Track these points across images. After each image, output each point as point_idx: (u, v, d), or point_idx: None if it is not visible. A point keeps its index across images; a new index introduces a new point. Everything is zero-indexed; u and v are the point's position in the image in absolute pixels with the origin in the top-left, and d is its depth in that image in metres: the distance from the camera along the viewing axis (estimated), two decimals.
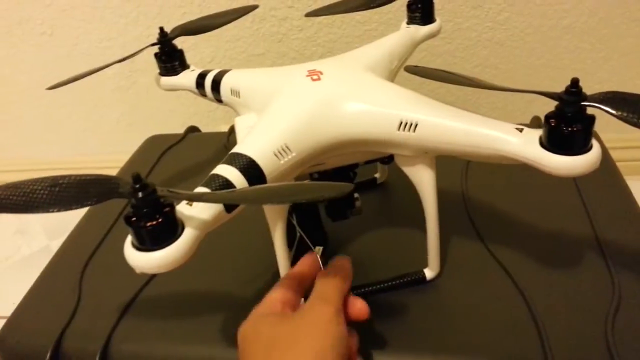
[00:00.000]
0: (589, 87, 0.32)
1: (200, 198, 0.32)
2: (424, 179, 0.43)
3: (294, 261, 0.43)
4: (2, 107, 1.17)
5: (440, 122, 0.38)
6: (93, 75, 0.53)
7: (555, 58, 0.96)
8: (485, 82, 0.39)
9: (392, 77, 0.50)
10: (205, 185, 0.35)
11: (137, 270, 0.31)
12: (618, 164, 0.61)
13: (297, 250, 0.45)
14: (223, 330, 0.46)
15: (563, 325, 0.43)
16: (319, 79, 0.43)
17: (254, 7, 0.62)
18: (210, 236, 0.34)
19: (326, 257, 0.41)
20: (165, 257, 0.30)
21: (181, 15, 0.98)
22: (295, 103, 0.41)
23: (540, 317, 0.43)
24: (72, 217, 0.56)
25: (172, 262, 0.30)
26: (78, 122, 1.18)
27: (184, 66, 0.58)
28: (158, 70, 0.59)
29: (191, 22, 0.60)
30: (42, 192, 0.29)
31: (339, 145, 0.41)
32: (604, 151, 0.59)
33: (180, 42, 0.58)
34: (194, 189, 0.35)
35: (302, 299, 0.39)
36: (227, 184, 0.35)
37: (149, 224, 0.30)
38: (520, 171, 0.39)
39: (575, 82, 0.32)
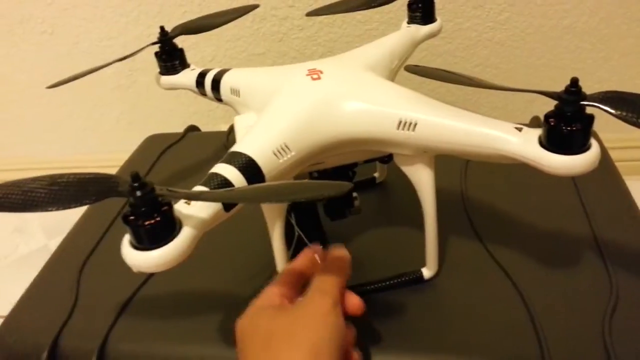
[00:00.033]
0: (589, 87, 0.32)
1: (199, 197, 0.32)
2: (422, 178, 0.43)
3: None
4: (3, 105, 1.17)
5: (439, 122, 0.38)
6: (93, 74, 0.53)
7: (556, 58, 0.96)
8: (485, 81, 0.39)
9: (392, 76, 0.50)
10: (203, 184, 0.35)
11: (135, 269, 0.31)
12: (617, 164, 0.61)
13: (295, 250, 0.45)
14: (221, 329, 0.46)
15: (561, 325, 0.43)
16: (319, 78, 0.43)
17: (255, 6, 0.62)
18: (209, 235, 0.34)
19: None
20: (163, 256, 0.30)
21: (182, 14, 0.98)
22: (294, 102, 0.41)
23: (538, 316, 0.43)
24: (70, 216, 0.55)
25: (169, 261, 0.30)
26: (78, 121, 1.18)
27: (184, 65, 0.58)
28: (158, 69, 0.59)
29: (192, 21, 0.60)
30: (40, 190, 0.29)
31: (338, 144, 0.41)
32: (603, 151, 0.59)
33: (180, 41, 0.58)
34: (193, 187, 0.35)
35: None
36: (225, 182, 0.35)
37: (146, 222, 0.29)
38: (519, 171, 0.39)
39: (574, 82, 0.32)
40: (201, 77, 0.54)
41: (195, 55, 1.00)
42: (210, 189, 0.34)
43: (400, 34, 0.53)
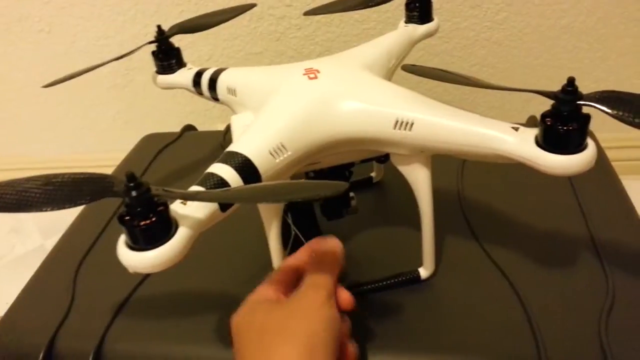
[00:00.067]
0: (586, 87, 0.32)
1: (195, 197, 0.32)
2: (419, 178, 0.43)
3: None
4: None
5: (436, 121, 0.38)
6: (90, 73, 0.52)
7: (553, 57, 0.96)
8: (482, 81, 0.39)
9: (389, 75, 0.50)
10: (200, 184, 0.34)
11: (131, 270, 0.31)
12: (614, 163, 0.61)
13: (292, 250, 0.45)
14: (217, 329, 0.46)
15: (557, 324, 0.43)
16: (315, 77, 0.43)
17: (252, 5, 0.62)
18: (205, 235, 0.34)
19: None
20: (159, 256, 0.30)
21: (179, 13, 0.98)
22: (291, 102, 0.41)
23: (534, 316, 0.43)
24: (66, 216, 0.55)
25: (165, 262, 0.30)
26: (74, 120, 1.18)
27: (180, 64, 0.58)
28: (155, 69, 0.58)
29: (189, 20, 0.60)
30: (35, 190, 0.29)
31: (335, 144, 0.41)
32: (600, 150, 0.60)
33: (177, 40, 0.58)
34: (190, 187, 0.34)
35: None
36: (222, 182, 0.35)
37: (142, 223, 0.29)
38: (516, 170, 0.39)
39: (571, 81, 0.32)
40: (198, 76, 0.53)
41: (192, 55, 1.00)
42: (207, 188, 0.34)
43: (397, 33, 0.53)
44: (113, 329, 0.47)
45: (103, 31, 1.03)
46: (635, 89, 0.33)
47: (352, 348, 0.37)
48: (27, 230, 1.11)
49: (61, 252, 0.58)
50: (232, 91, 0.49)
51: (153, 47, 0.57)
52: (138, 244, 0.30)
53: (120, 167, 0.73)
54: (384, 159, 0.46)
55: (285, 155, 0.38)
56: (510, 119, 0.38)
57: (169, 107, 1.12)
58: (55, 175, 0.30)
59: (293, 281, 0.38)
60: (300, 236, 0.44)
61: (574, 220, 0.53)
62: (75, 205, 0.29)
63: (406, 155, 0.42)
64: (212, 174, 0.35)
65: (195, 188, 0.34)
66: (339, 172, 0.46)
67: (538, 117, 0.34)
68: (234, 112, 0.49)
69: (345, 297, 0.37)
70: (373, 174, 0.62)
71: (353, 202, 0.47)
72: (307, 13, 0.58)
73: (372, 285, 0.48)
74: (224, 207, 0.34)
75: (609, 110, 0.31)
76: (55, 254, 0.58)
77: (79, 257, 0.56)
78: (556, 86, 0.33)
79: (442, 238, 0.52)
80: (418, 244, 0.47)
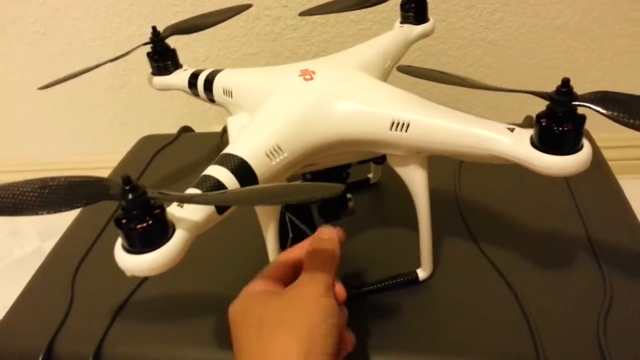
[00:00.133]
0: (581, 87, 0.32)
1: (191, 200, 0.32)
2: (416, 179, 0.43)
3: None
4: None
5: (432, 122, 0.38)
6: (86, 75, 0.52)
7: (549, 57, 0.97)
8: (477, 82, 0.39)
9: (385, 76, 0.50)
10: (196, 186, 0.34)
11: (128, 274, 0.31)
12: (610, 163, 0.61)
13: None
14: (216, 332, 0.46)
15: (555, 325, 0.43)
16: (311, 78, 0.43)
17: (248, 6, 0.61)
18: (202, 237, 0.34)
19: None
20: (156, 259, 0.30)
21: (174, 13, 0.98)
22: (287, 103, 0.41)
23: (532, 317, 0.43)
24: (64, 219, 0.55)
25: (162, 265, 0.30)
26: (71, 122, 1.18)
27: (176, 65, 0.58)
28: (150, 70, 0.58)
29: (184, 21, 0.60)
30: (31, 194, 0.29)
31: (331, 145, 0.41)
32: (596, 150, 0.60)
33: (173, 41, 0.58)
34: (187, 189, 0.34)
35: None
36: (218, 185, 0.35)
37: (139, 226, 0.29)
38: (513, 171, 0.39)
39: (565, 82, 0.32)
40: (194, 77, 0.53)
41: (187, 56, 1.00)
42: (203, 191, 0.34)
43: (393, 33, 0.53)
44: (112, 331, 0.47)
45: (99, 32, 1.03)
46: (631, 88, 0.33)
47: (349, 337, 0.37)
48: (25, 233, 1.11)
49: (59, 255, 0.58)
50: (228, 92, 0.49)
51: (148, 48, 0.57)
52: (135, 247, 0.30)
53: (117, 169, 0.73)
54: (381, 160, 0.46)
55: (281, 157, 0.38)
56: (506, 119, 0.38)
57: (166, 108, 1.12)
58: (52, 179, 0.30)
59: (290, 275, 0.38)
60: (302, 226, 0.44)
61: (571, 221, 0.53)
62: (72, 208, 0.29)
63: (402, 157, 0.42)
64: (209, 177, 0.35)
65: (191, 190, 0.34)
66: (336, 173, 0.46)
67: (534, 117, 0.34)
68: (230, 113, 0.49)
69: (338, 289, 0.37)
70: (370, 175, 0.62)
71: (350, 204, 0.47)
72: (302, 14, 0.58)
73: (370, 287, 0.48)
74: (220, 209, 0.34)
75: (604, 111, 0.31)
76: (53, 257, 0.58)
77: (77, 260, 0.56)
78: (552, 86, 0.33)
79: (440, 239, 0.52)
80: (416, 245, 0.47)
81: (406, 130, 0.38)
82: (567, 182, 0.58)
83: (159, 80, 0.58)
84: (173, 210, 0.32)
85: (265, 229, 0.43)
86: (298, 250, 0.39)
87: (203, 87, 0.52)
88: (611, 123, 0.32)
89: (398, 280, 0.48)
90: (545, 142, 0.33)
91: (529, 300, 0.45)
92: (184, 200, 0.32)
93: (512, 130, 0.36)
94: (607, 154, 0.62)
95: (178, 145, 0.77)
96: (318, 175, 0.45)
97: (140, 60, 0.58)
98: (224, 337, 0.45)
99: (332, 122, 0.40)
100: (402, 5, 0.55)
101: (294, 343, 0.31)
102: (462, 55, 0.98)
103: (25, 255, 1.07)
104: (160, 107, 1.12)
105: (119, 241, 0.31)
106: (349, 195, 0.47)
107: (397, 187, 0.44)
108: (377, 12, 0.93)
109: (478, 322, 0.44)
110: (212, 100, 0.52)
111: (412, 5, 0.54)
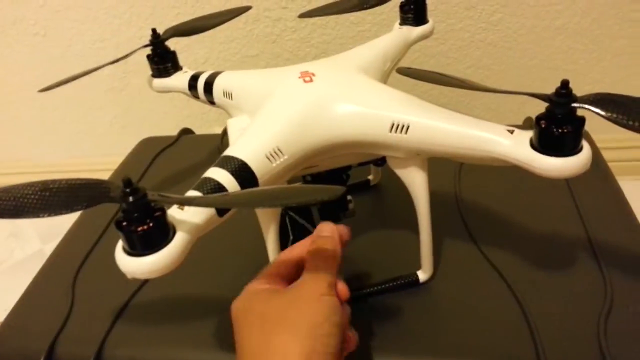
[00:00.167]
0: (581, 88, 0.32)
1: (192, 202, 0.32)
2: (416, 181, 0.43)
3: None
4: None
5: (431, 124, 0.38)
6: (86, 77, 0.52)
7: (548, 59, 0.97)
8: (476, 84, 0.39)
9: (384, 78, 0.50)
10: (196, 188, 0.35)
11: (129, 276, 0.31)
12: (610, 164, 0.61)
13: None
14: (217, 334, 0.46)
15: (556, 326, 0.43)
16: (311, 80, 0.43)
17: (248, 7, 0.62)
18: (203, 239, 0.34)
19: None
20: (157, 262, 0.30)
21: (175, 16, 0.98)
22: (287, 105, 0.41)
23: (533, 318, 0.43)
24: (65, 221, 0.55)
25: (163, 267, 0.30)
26: (71, 125, 1.18)
27: (176, 68, 0.58)
28: (150, 72, 0.58)
29: (184, 23, 0.60)
30: (32, 196, 0.29)
31: (331, 147, 0.41)
32: (596, 152, 0.60)
33: (173, 43, 0.58)
34: (187, 191, 0.34)
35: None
36: (219, 187, 0.35)
37: (139, 228, 0.29)
38: (513, 173, 0.39)
39: (565, 84, 0.32)
40: (194, 79, 0.53)
41: (187, 58, 1.00)
42: (204, 193, 0.34)
43: (392, 35, 0.53)
44: (113, 334, 0.47)
45: (99, 34, 1.03)
46: (630, 89, 0.33)
47: (352, 335, 0.37)
48: (26, 235, 1.11)
49: (60, 257, 0.58)
50: (228, 95, 0.49)
51: (149, 50, 0.57)
52: (135, 249, 0.30)
53: (117, 171, 0.73)
54: (381, 162, 0.46)
55: (281, 159, 0.38)
56: (506, 120, 0.38)
57: (166, 110, 1.12)
58: (53, 181, 0.30)
59: (292, 273, 0.38)
60: (304, 222, 0.44)
61: (571, 222, 0.53)
62: (72, 211, 0.29)
63: (402, 158, 0.42)
64: (209, 179, 0.35)
65: (192, 193, 0.34)
66: (336, 175, 0.46)
67: (534, 118, 0.34)
68: (230, 115, 0.49)
69: (341, 287, 0.37)
70: (370, 177, 0.62)
71: (350, 205, 0.47)
72: (302, 15, 0.58)
73: (371, 289, 0.48)
74: (221, 212, 0.34)
75: (603, 113, 0.31)
76: (54, 260, 0.58)
77: (78, 262, 0.56)
78: (551, 87, 0.33)
79: (440, 241, 0.52)
80: (416, 247, 0.47)
81: (406, 132, 0.39)
82: (567, 183, 0.58)
83: (159, 82, 0.58)
84: (173, 212, 0.33)
85: (265, 230, 0.43)
86: (299, 248, 0.39)
87: (203, 89, 0.52)
88: (611, 124, 0.32)
89: (398, 282, 0.48)
90: (545, 144, 0.33)
91: (530, 302, 0.45)
92: (184, 202, 0.32)
93: (511, 132, 0.36)
94: (607, 155, 0.62)
95: (178, 147, 0.78)
96: (318, 177, 0.45)
97: (140, 63, 0.58)
98: (224, 339, 0.45)
99: (332, 124, 0.40)
100: (402, 7, 0.55)
101: (297, 342, 0.31)
102: (462, 56, 0.98)
103: (26, 257, 1.07)
104: (161, 109, 1.12)
105: (120, 243, 0.31)
106: (349, 197, 0.47)
107: (397, 188, 0.44)
108: (376, 13, 0.94)
109: (478, 323, 0.44)
110: (212, 103, 0.52)
111: (412, 6, 0.54)
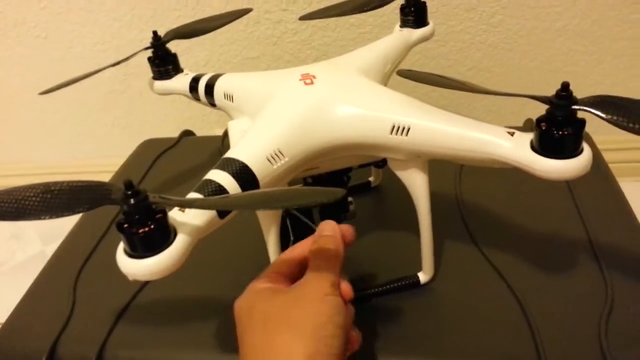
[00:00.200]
0: (581, 90, 0.32)
1: (193, 204, 0.32)
2: (416, 183, 0.43)
3: None
4: None
5: (432, 126, 0.38)
6: (87, 79, 0.53)
7: (549, 60, 0.97)
8: (477, 86, 0.39)
9: (385, 80, 0.50)
10: (197, 190, 0.35)
11: (130, 278, 0.31)
12: (611, 165, 0.61)
13: None
14: (218, 335, 0.46)
15: (557, 327, 0.43)
16: (311, 83, 0.43)
17: (248, 10, 0.62)
18: (204, 241, 0.34)
19: None
20: (158, 264, 0.30)
21: (175, 18, 0.98)
22: (288, 107, 0.42)
23: (534, 319, 0.43)
24: (66, 222, 0.55)
25: (164, 269, 0.30)
26: (73, 126, 1.18)
27: (177, 70, 0.58)
28: (151, 75, 0.58)
29: (185, 25, 0.60)
30: (33, 199, 0.29)
31: (331, 149, 0.41)
32: (597, 153, 0.60)
33: (174, 46, 0.58)
34: (188, 193, 0.35)
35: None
36: (220, 189, 0.35)
37: (140, 230, 0.29)
38: (513, 174, 0.39)
39: (565, 86, 0.32)
40: (194, 82, 0.54)
41: (188, 60, 1.00)
42: (205, 195, 0.34)
43: (393, 37, 0.53)
44: (114, 335, 0.47)
45: (100, 37, 1.03)
46: (631, 91, 0.33)
47: (355, 336, 0.37)
48: (27, 237, 1.11)
49: (61, 258, 0.59)
50: (229, 97, 0.49)
51: (149, 52, 0.57)
52: (137, 251, 0.30)
53: (118, 173, 0.73)
54: (382, 163, 0.46)
55: (282, 161, 0.38)
56: (507, 122, 0.38)
57: (167, 112, 1.12)
58: (54, 184, 0.30)
59: (295, 272, 0.38)
60: (307, 221, 0.44)
61: (572, 223, 0.53)
62: (74, 213, 0.29)
63: (403, 160, 0.42)
64: (210, 181, 0.35)
65: (193, 195, 0.34)
66: (337, 177, 0.46)
67: (535, 120, 0.34)
68: (231, 117, 0.49)
69: (345, 287, 0.37)
70: (371, 179, 0.62)
71: (351, 207, 0.48)
72: (302, 18, 0.59)
73: (372, 291, 0.48)
74: (222, 214, 0.34)
75: (603, 115, 0.31)
76: (55, 261, 0.58)
77: (79, 263, 0.56)
78: (552, 89, 0.34)
79: (441, 242, 0.52)
80: (417, 249, 0.47)
81: (406, 134, 0.39)
82: (567, 184, 0.58)
83: (160, 84, 0.58)
84: (174, 214, 0.33)
85: (266, 232, 0.43)
86: (302, 247, 0.39)
87: (204, 91, 0.52)
88: (611, 126, 0.32)
89: (399, 283, 0.48)
90: (545, 146, 0.34)
91: (531, 303, 0.45)
92: (185, 204, 0.32)
93: (512, 134, 0.36)
94: (607, 156, 0.62)
95: (179, 149, 0.78)
96: (319, 179, 0.45)
97: (141, 65, 0.58)
98: (225, 340, 0.45)
99: (332, 127, 0.40)
100: (402, 9, 0.55)
101: (300, 343, 0.31)
102: (462, 58, 0.98)
103: (28, 258, 1.07)
104: (161, 111, 1.12)
105: (121, 245, 0.31)
106: (350, 199, 0.47)
107: (398, 190, 0.44)
108: (377, 15, 0.94)
109: (479, 324, 0.45)
110: (213, 105, 0.52)
111: (412, 9, 0.54)
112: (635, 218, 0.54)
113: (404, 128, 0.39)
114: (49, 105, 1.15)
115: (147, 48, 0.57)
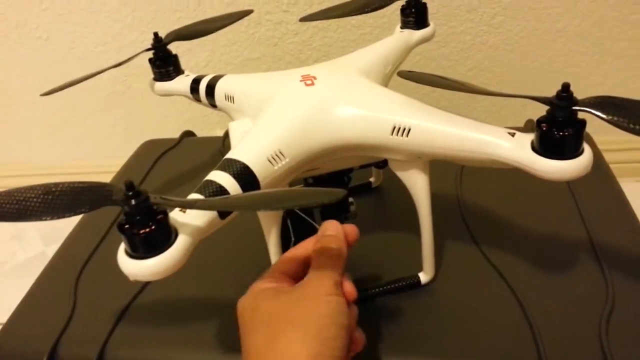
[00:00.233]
0: (582, 91, 0.33)
1: (194, 205, 0.32)
2: (417, 183, 0.43)
3: None
4: None
5: (433, 127, 0.38)
6: (88, 80, 0.53)
7: (549, 61, 0.97)
8: (477, 87, 0.39)
9: (386, 81, 0.50)
10: (198, 191, 0.35)
11: (131, 278, 0.31)
12: (612, 166, 0.61)
13: None
14: (219, 335, 0.46)
15: (557, 327, 0.43)
16: (312, 84, 0.43)
17: (249, 11, 0.62)
18: (205, 241, 0.34)
19: None
20: (159, 264, 0.30)
21: (177, 19, 0.98)
22: (288, 108, 0.42)
23: (534, 320, 0.43)
24: (67, 223, 0.55)
25: (165, 270, 0.30)
26: (74, 127, 1.18)
27: (178, 71, 0.58)
28: (152, 76, 0.59)
29: (186, 27, 0.60)
30: (35, 200, 0.29)
31: (332, 150, 0.41)
32: (597, 153, 0.60)
33: (175, 47, 0.58)
34: (189, 194, 0.35)
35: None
36: (220, 190, 0.35)
37: (141, 231, 0.29)
38: (514, 175, 0.39)
39: (566, 87, 0.32)
40: (195, 83, 0.54)
41: (189, 61, 1.00)
42: (206, 196, 0.34)
43: (393, 38, 0.54)
44: (115, 335, 0.47)
45: (101, 38, 1.03)
46: (631, 92, 0.33)
47: (359, 336, 0.36)
48: (28, 237, 1.12)
49: (62, 259, 0.59)
50: (229, 98, 0.49)
51: (151, 54, 0.57)
52: (138, 252, 0.30)
53: (120, 174, 0.73)
54: (383, 164, 0.46)
55: (283, 162, 0.38)
56: (507, 123, 0.38)
57: (168, 113, 1.12)
58: (55, 185, 0.30)
59: (299, 272, 0.38)
60: (309, 220, 0.44)
61: (572, 224, 0.54)
62: (75, 214, 0.29)
63: (404, 161, 0.42)
64: (211, 182, 0.35)
65: (194, 196, 0.34)
66: (337, 178, 0.46)
67: (535, 121, 0.34)
68: (231, 118, 0.49)
69: (348, 287, 0.36)
70: (372, 179, 0.63)
71: (352, 207, 0.48)
72: (303, 19, 0.59)
73: (373, 291, 0.48)
74: (223, 214, 0.34)
75: (603, 116, 0.31)
76: (56, 262, 0.58)
77: (80, 263, 0.56)
78: (553, 90, 0.34)
79: (442, 243, 0.52)
80: (418, 249, 0.47)
81: (407, 135, 0.39)
82: (568, 185, 0.58)
83: (161, 86, 0.58)
84: (175, 215, 0.33)
85: (267, 233, 0.43)
86: (305, 247, 0.39)
87: (205, 92, 0.52)
88: (612, 126, 0.32)
89: (400, 284, 0.48)
90: (546, 146, 0.34)
91: (531, 303, 0.45)
92: (186, 205, 0.32)
93: (512, 134, 0.36)
94: (608, 156, 0.62)
95: (180, 149, 0.78)
96: (320, 180, 0.45)
97: (142, 66, 0.58)
98: (226, 341, 0.45)
99: (333, 128, 0.40)
100: (403, 10, 0.55)
101: (303, 344, 0.31)
102: (463, 59, 0.98)
103: (29, 259, 1.07)
104: (162, 112, 1.12)
105: (122, 246, 0.31)
106: (350, 199, 0.47)
107: (399, 191, 0.45)
108: (377, 17, 0.94)
109: (480, 324, 0.45)
110: (213, 106, 0.52)
111: (413, 10, 0.54)
112: (636, 218, 0.54)
113: (404, 129, 0.39)
114: (50, 106, 1.15)
115: (148, 49, 0.57)
